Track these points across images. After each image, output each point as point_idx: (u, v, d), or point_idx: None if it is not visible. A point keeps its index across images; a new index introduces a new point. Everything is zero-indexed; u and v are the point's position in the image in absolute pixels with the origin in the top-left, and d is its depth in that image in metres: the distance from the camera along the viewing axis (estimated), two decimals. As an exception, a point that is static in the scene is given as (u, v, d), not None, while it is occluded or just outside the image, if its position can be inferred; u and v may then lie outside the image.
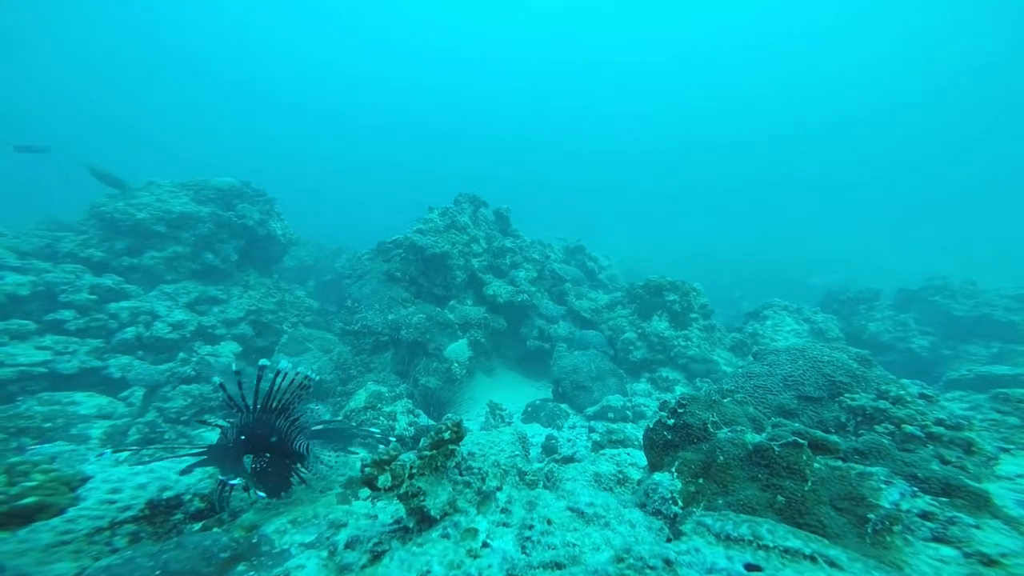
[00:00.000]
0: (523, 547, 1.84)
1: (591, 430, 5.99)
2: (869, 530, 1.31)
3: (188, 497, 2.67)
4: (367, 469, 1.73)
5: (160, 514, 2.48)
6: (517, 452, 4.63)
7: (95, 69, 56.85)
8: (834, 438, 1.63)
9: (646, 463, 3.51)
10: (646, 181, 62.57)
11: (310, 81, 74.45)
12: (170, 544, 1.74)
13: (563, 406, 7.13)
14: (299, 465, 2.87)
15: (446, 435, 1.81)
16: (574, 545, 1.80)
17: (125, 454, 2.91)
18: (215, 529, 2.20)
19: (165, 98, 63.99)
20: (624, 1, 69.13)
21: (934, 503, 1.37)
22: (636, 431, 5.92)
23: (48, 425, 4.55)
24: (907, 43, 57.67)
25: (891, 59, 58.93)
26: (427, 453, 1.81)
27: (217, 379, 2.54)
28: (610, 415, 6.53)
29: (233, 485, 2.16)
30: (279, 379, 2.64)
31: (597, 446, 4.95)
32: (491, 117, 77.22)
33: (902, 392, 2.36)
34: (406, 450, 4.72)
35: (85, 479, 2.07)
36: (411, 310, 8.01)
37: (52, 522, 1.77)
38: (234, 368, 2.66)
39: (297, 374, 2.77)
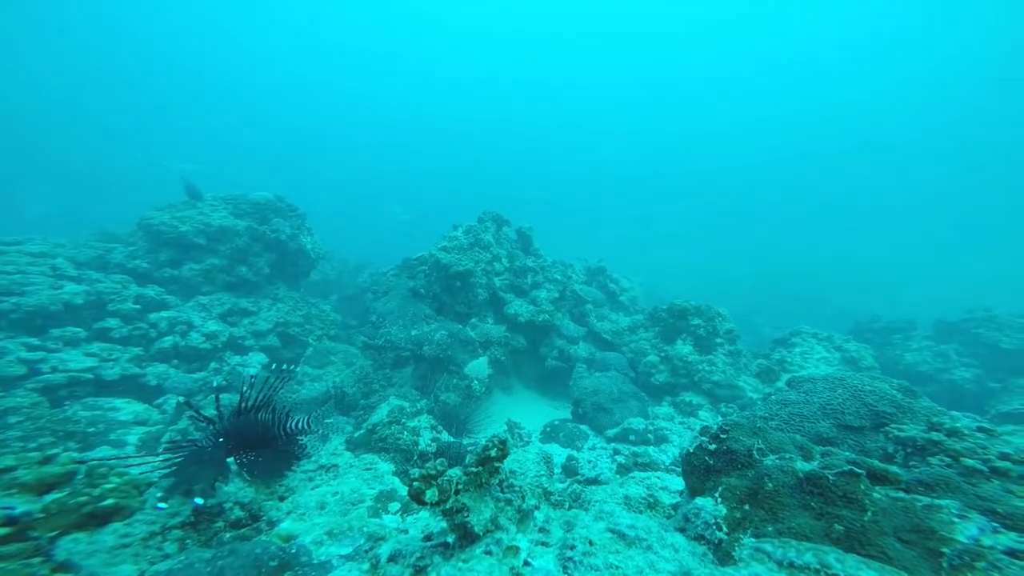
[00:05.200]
0: (565, 567, 1.83)
1: (616, 452, 5.87)
2: (945, 564, 1.25)
3: (229, 505, 2.74)
4: (416, 483, 1.77)
5: (204, 521, 2.56)
6: (542, 472, 4.58)
7: (93, 75, 57.61)
8: (895, 468, 1.58)
9: (677, 488, 3.44)
10: (665, 204, 62.37)
11: (321, 96, 77.08)
12: (224, 551, 1.80)
13: (583, 427, 7.02)
14: (301, 441, 3.13)
15: (492, 452, 1.84)
16: (617, 567, 1.78)
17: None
18: (261, 538, 2.25)
19: (170, 107, 65.29)
20: (649, 18, 70.78)
21: (1023, 540, 1.30)
22: (659, 455, 5.78)
23: (92, 430, 4.74)
24: (937, 62, 56.89)
25: (919, 78, 58.17)
26: (473, 470, 1.84)
27: (182, 398, 2.81)
28: (631, 438, 6.40)
29: (198, 506, 2.31)
30: (247, 384, 2.88)
31: (623, 469, 4.85)
32: (510, 137, 78.91)
33: (957, 424, 2.28)
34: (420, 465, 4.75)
35: (151, 483, 2.18)
36: (433, 327, 8.12)
37: (114, 525, 1.85)
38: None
39: (277, 372, 3.08)
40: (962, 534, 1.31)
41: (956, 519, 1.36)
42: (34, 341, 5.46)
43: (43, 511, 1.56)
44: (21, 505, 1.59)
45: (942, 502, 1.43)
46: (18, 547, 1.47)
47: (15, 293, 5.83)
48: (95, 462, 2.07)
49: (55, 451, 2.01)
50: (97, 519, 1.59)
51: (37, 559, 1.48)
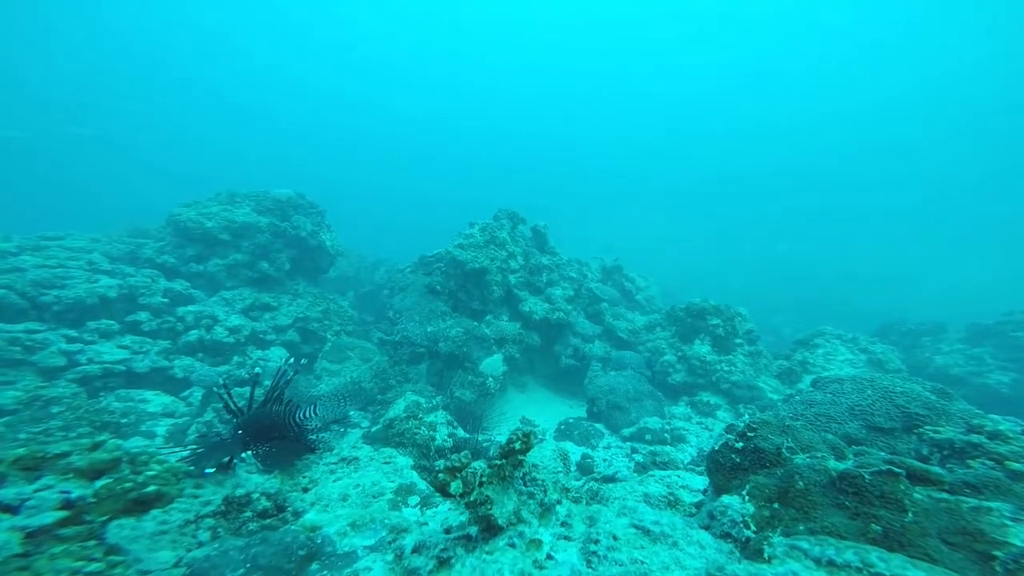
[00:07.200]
0: (588, 561, 1.82)
1: (633, 451, 5.82)
2: (999, 569, 1.20)
3: (256, 496, 2.82)
4: (441, 475, 1.79)
5: (233, 510, 2.63)
6: (559, 468, 4.56)
7: (94, 81, 58.67)
8: (937, 469, 1.52)
9: (698, 487, 3.38)
10: (679, 206, 61.28)
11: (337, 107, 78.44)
12: (256, 539, 1.85)
13: (598, 426, 6.98)
14: (309, 434, 3.32)
15: (516, 445, 1.85)
16: (642, 562, 1.77)
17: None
18: (290, 527, 2.31)
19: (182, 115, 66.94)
20: (662, 21, 70.13)
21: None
22: (677, 454, 5.71)
23: (125, 421, 4.93)
24: (951, 64, 54.74)
25: (933, 78, 56.11)
26: (497, 462, 1.85)
27: (215, 389, 3.04)
28: (647, 437, 6.33)
29: (207, 473, 2.61)
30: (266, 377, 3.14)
31: (641, 467, 4.80)
32: (516, 140, 78.90)
33: (1000, 427, 2.18)
34: (436, 459, 4.81)
35: (188, 472, 2.29)
36: (449, 323, 8.17)
37: (152, 512, 1.94)
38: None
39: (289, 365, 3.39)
40: (1017, 537, 1.25)
41: (1009, 522, 1.30)
42: (72, 333, 5.71)
43: (95, 496, 1.64)
44: (76, 489, 1.69)
45: (992, 504, 1.37)
46: (76, 530, 1.55)
47: (56, 286, 6.10)
48: (137, 450, 2.17)
49: (103, 437, 2.11)
50: (142, 505, 1.67)
51: (92, 542, 1.56)
